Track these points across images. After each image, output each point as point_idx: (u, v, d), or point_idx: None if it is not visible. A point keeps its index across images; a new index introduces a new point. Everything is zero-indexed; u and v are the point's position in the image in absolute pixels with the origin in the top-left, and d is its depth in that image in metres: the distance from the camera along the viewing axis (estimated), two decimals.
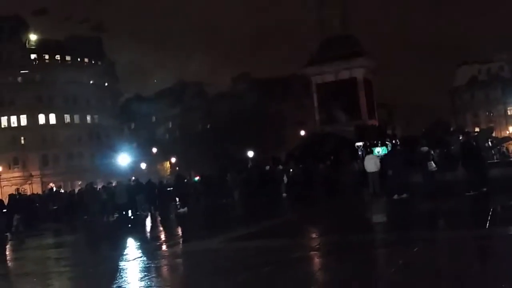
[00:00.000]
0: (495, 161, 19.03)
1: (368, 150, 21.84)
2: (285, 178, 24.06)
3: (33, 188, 62.72)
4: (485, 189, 14.46)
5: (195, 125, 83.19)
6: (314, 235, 11.88)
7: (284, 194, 23.53)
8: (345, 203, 18.80)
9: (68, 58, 77.30)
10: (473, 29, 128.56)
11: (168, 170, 73.33)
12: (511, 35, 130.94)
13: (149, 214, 22.84)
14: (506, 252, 7.51)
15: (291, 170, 24.78)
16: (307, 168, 24.11)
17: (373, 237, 10.35)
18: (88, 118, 78.47)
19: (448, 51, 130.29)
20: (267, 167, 26.61)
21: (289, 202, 22.12)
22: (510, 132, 72.74)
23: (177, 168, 68.40)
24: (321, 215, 15.99)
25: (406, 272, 6.75)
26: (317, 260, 8.62)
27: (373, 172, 18.79)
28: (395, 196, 16.28)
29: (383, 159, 19.07)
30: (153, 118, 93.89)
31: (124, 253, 11.61)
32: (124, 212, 23.07)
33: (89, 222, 22.17)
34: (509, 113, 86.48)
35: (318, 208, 18.56)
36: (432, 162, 16.21)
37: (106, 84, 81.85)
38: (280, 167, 25.43)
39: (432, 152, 16.93)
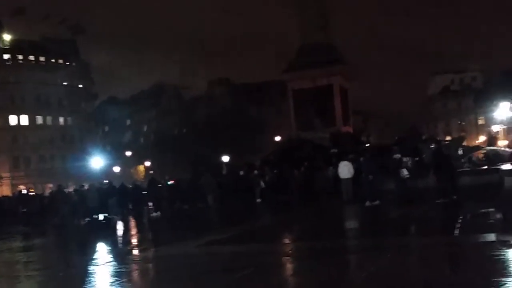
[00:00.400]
0: (466, 169, 19.39)
1: (342, 157, 21.99)
2: (262, 184, 24.08)
3: (3, 190, 61.32)
4: (455, 196, 14.72)
5: (170, 129, 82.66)
6: (287, 241, 11.91)
7: (259, 200, 23.54)
8: (319, 209, 18.91)
9: (42, 58, 76.06)
10: (447, 39, 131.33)
11: (142, 174, 72.63)
12: (484, 46, 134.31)
13: (121, 218, 22.57)
14: (475, 259, 7.65)
15: (266, 175, 24.82)
16: (282, 174, 24.19)
17: (346, 243, 10.43)
18: (61, 120, 77.24)
19: (423, 60, 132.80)
20: (241, 172, 26.61)
21: (264, 207, 22.13)
22: (481, 141, 74.28)
23: (151, 172, 67.79)
24: (295, 221, 16.04)
25: (378, 278, 6.81)
26: (290, 266, 8.64)
27: (346, 179, 18.95)
28: (367, 203, 16.44)
29: (359, 165, 19.26)
30: (128, 121, 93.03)
31: (95, 257, 11.43)
32: (95, 216, 22.72)
33: (59, 225, 21.79)
34: (480, 122, 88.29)
35: (292, 214, 18.63)
36: (405, 170, 16.44)
37: (80, 86, 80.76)
38: (256, 172, 25.45)
39: (405, 160, 17.18)
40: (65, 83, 77.62)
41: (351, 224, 14.40)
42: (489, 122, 78.31)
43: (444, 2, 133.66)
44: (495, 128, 72.48)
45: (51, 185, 55.13)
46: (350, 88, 35.81)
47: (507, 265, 7.00)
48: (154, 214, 22.45)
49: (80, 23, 78.81)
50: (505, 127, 70.87)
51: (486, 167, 19.78)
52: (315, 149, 29.50)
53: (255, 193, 23.76)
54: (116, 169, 64.28)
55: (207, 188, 24.52)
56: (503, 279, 5.97)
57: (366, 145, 31.93)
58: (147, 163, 73.20)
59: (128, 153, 72.57)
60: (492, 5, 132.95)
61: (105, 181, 27.98)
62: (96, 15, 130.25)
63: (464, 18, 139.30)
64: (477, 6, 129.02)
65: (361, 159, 18.64)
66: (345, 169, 19.04)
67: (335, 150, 27.02)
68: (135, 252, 11.97)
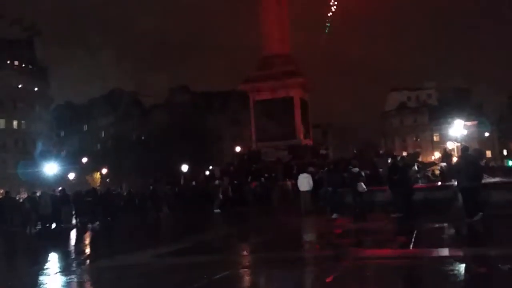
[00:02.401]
0: (420, 184, 19.83)
1: (302, 169, 22.14)
2: (220, 195, 23.92)
3: None
4: (410, 211, 15.01)
5: (129, 136, 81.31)
6: (245, 252, 11.84)
7: (217, 210, 23.37)
8: (277, 220, 18.92)
9: None
10: (405, 57, 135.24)
11: (98, 181, 71.00)
12: (441, 65, 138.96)
13: (75, 226, 21.94)
14: (428, 273, 7.80)
15: (224, 186, 24.69)
16: (241, 185, 24.14)
17: (302, 255, 10.45)
18: (15, 123, 74.72)
19: (381, 76, 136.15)
20: (194, 182, 26.37)
21: (222, 218, 21.98)
22: (436, 157, 76.43)
23: (108, 179, 66.39)
24: (252, 232, 15.99)
25: None
26: (247, 277, 8.59)
27: (305, 191, 19.06)
28: (334, 215, 16.60)
29: (320, 177, 19.38)
30: (85, 127, 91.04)
31: (45, 267, 11.04)
32: (47, 224, 22.00)
33: (9, 233, 20.97)
34: (435, 139, 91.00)
35: (250, 225, 18.57)
36: (362, 183, 16.67)
37: (36, 89, 78.48)
38: (217, 182, 25.25)
39: (362, 174, 17.43)
40: (20, 86, 75.30)
41: (308, 236, 14.46)
42: (444, 138, 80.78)
43: (403, 22, 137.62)
44: (449, 144, 74.82)
45: (1, 191, 53.12)
46: (310, 100, 36.21)
47: (459, 279, 7.16)
48: (111, 222, 21.95)
49: (37, 25, 76.77)
50: (459, 144, 73.17)
51: (440, 183, 20.31)
52: (275, 160, 29.63)
53: (214, 203, 23.59)
54: (71, 176, 62.58)
55: (163, 197, 24.17)
56: None
57: (327, 158, 32.31)
58: (104, 170, 71.69)
59: (84, 160, 70.87)
60: (447, 25, 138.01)
61: (59, 188, 27.12)
62: (55, 17, 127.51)
63: (421, 37, 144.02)
64: (433, 27, 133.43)
65: (322, 171, 18.79)
66: (305, 182, 19.15)
67: (295, 162, 27.21)
68: (88, 262, 11.63)
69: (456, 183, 13.73)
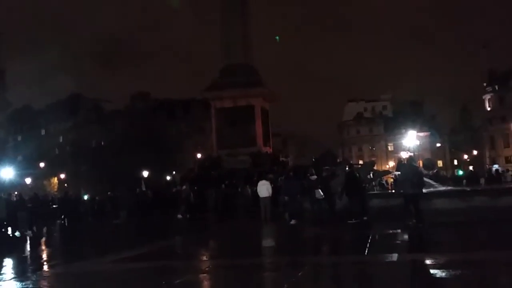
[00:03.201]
0: (376, 192, 20.45)
1: (261, 176, 22.44)
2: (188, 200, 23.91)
3: None
4: (365, 217, 15.52)
5: (88, 141, 79.82)
6: (205, 258, 11.99)
7: (180, 216, 23.37)
8: (237, 226, 19.12)
9: None
10: (362, 68, 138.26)
11: (56, 187, 69.39)
12: (395, 77, 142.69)
13: (31, 232, 21.49)
14: (383, 277, 8.13)
15: (186, 192, 24.72)
16: (202, 191, 24.24)
17: (261, 261, 10.66)
18: None
19: (338, 87, 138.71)
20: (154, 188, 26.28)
21: (183, 224, 22.01)
22: (390, 166, 78.42)
23: (66, 184, 64.98)
24: (212, 238, 16.13)
25: None
26: (206, 283, 8.74)
27: (265, 197, 19.34)
28: (292, 222, 16.93)
29: (279, 185, 19.69)
30: (42, 131, 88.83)
31: (0, 272, 10.88)
32: (3, 229, 21.47)
33: None
34: (389, 149, 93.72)
35: (210, 231, 18.69)
36: (320, 190, 17.08)
37: None
38: (184, 187, 25.17)
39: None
40: None
41: (267, 242, 14.72)
42: (398, 148, 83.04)
43: (365, 32, 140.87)
44: (403, 154, 76.95)
45: None
46: (270, 109, 36.65)
47: (412, 283, 7.56)
48: (69, 228, 21.64)
49: None
50: (412, 154, 75.31)
51: (394, 190, 21.00)
52: (235, 168, 29.84)
53: (177, 209, 23.54)
54: (28, 180, 60.93)
55: (123, 202, 24.01)
56: None
57: (286, 166, 32.74)
58: (62, 175, 70.12)
59: (42, 165, 69.12)
60: (405, 39, 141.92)
61: (15, 192, 26.52)
62: (14, 19, 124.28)
63: (379, 50, 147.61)
64: (391, 40, 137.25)
65: (280, 179, 19.13)
66: (264, 188, 19.41)
67: (255, 170, 27.50)
68: (45, 267, 11.52)
69: (401, 190, 14.39)
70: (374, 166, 25.03)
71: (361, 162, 64.02)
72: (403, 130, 71.64)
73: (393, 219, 13.97)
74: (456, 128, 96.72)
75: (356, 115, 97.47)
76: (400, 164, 14.60)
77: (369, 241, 11.59)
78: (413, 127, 66.64)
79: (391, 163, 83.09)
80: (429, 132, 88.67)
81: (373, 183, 21.31)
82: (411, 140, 61.36)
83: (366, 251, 10.36)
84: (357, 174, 16.86)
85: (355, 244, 12.25)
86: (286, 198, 17.77)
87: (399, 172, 15.62)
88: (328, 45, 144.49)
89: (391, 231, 13.20)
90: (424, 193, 14.16)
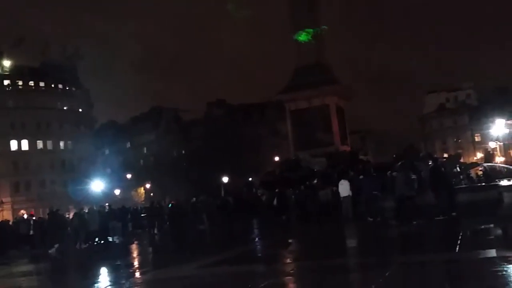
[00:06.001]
0: (463, 186, 19.47)
1: (341, 176, 22.09)
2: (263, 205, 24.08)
3: (4, 215, 61.06)
4: (454, 213, 14.80)
5: (170, 151, 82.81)
6: (288, 260, 11.95)
7: (259, 219, 23.52)
8: (319, 228, 18.95)
9: (42, 84, 76.63)
10: (442, 58, 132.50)
11: (143, 196, 72.52)
12: (478, 65, 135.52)
13: (122, 240, 22.53)
14: (475, 276, 7.71)
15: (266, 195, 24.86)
16: (281, 194, 24.23)
17: (346, 261, 10.48)
18: (62, 144, 77.37)
19: (418, 79, 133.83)
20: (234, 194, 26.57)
21: (264, 227, 22.14)
22: (478, 158, 74.37)
23: (152, 194, 67.71)
24: (295, 240, 16.08)
25: None
26: (291, 286, 8.70)
27: (346, 197, 19.05)
28: (368, 219, 16.55)
29: (358, 184, 19.33)
30: (128, 144, 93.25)
31: (96, 280, 11.47)
32: (96, 239, 22.70)
33: (59, 249, 21.70)
34: (476, 139, 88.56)
35: (292, 233, 18.65)
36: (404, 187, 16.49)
37: (80, 110, 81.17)
38: (259, 192, 25.42)
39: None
40: (65, 108, 78.11)
41: (352, 242, 14.45)
42: (485, 139, 78.58)
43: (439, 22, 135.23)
44: (491, 144, 72.70)
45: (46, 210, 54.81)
46: (346, 107, 36.07)
47: (508, 281, 7.09)
48: (156, 235, 22.47)
49: (79, 50, 79.62)
50: (501, 143, 71.12)
51: (484, 183, 19.87)
52: (314, 168, 29.58)
53: (258, 213, 23.76)
54: (117, 192, 64.22)
55: (204, 208, 24.56)
56: None
57: (366, 164, 31.98)
58: (148, 185, 73.18)
59: (128, 176, 72.58)
60: (485, 22, 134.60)
61: (106, 204, 27.98)
62: (91, 40, 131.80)
63: (459, 37, 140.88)
64: (468, 25, 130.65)
65: (361, 177, 18.75)
66: (344, 188, 19.15)
67: (334, 169, 27.10)
68: (137, 274, 12.00)
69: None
70: (460, 158, 23.90)
71: (446, 155, 61.29)
72: (490, 119, 67.74)
73: (485, 214, 13.23)
74: None
75: (438, 106, 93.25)
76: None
77: (460, 237, 11.03)
78: (501, 115, 62.84)
79: (479, 155, 78.86)
80: None
81: (460, 176, 20.34)
82: (499, 129, 57.90)
83: (457, 248, 9.85)
84: (443, 168, 16.12)
85: (444, 241, 11.71)
86: (365, 196, 17.36)
87: (488, 164, 14.82)
88: (395, 40, 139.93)
89: (483, 227, 12.50)
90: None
